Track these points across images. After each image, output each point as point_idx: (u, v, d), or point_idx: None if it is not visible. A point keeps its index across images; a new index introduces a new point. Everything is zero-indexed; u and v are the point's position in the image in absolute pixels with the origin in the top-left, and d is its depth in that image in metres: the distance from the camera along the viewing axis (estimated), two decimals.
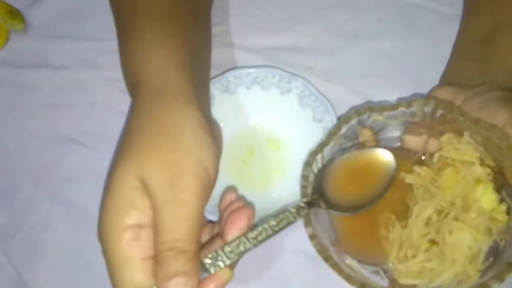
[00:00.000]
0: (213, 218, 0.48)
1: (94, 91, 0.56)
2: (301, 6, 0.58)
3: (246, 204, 0.40)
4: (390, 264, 0.43)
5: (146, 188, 0.36)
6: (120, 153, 0.38)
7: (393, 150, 0.46)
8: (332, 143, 0.45)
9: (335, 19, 0.57)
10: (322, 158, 0.45)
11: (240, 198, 0.41)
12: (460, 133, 0.44)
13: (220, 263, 0.37)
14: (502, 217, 0.42)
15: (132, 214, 0.35)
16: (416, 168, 0.45)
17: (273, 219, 0.40)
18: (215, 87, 0.53)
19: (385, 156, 0.45)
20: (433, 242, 0.42)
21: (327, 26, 0.57)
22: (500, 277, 0.39)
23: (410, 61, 0.55)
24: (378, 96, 0.54)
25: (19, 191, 0.53)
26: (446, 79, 0.51)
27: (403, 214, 0.44)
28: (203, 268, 0.37)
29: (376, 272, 0.43)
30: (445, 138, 0.45)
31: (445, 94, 0.47)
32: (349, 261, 0.43)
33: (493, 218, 0.42)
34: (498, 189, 0.43)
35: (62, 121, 0.55)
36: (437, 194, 0.43)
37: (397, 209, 0.44)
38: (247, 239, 0.39)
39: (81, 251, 0.51)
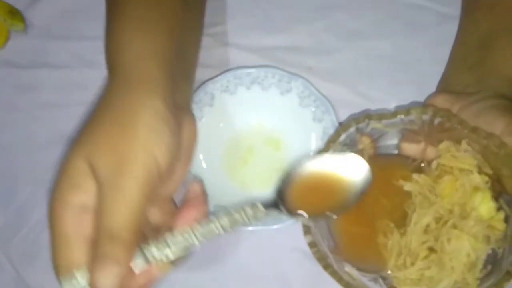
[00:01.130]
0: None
1: (95, 91, 0.56)
2: (301, 6, 0.58)
3: (203, 199, 0.41)
4: (389, 272, 0.43)
5: (93, 172, 0.37)
6: (77, 137, 0.39)
7: (391, 157, 0.46)
8: (331, 151, 0.45)
9: (335, 19, 0.57)
10: None
11: (203, 191, 0.42)
12: (458, 141, 0.44)
13: (159, 255, 0.37)
14: (500, 225, 0.42)
15: (77, 195, 0.37)
16: (415, 176, 0.45)
17: (226, 216, 0.39)
18: (215, 87, 0.53)
19: (358, 167, 0.44)
20: (431, 249, 0.42)
21: (327, 26, 0.57)
22: (498, 286, 0.39)
23: (410, 61, 0.55)
24: (378, 96, 0.54)
25: (19, 191, 0.53)
26: (443, 86, 0.51)
27: (401, 221, 0.44)
28: (143, 256, 0.36)
29: (375, 280, 0.43)
30: (443, 146, 0.45)
31: (441, 101, 0.47)
32: (348, 268, 0.43)
33: (491, 226, 0.42)
34: (496, 197, 0.43)
35: (62, 121, 0.55)
36: (436, 201, 0.43)
37: (395, 216, 0.44)
38: (194, 234, 0.38)
39: None
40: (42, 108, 0.56)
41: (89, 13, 0.60)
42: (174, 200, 0.44)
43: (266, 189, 0.51)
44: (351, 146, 0.47)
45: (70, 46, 0.58)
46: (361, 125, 0.46)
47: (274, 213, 0.43)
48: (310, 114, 0.52)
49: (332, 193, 0.44)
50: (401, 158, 0.47)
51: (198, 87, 0.53)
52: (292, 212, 0.43)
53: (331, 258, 0.42)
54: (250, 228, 0.48)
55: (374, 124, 0.46)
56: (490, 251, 0.42)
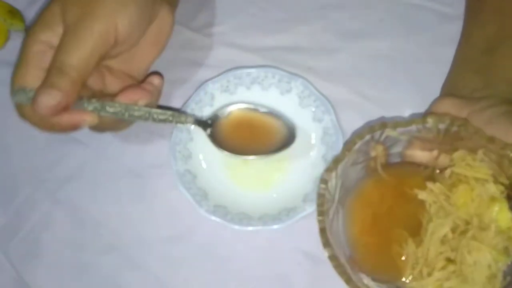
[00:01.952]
0: (214, 218, 0.48)
1: None
2: (301, 6, 0.58)
3: (154, 90, 0.48)
4: (405, 281, 0.43)
5: (63, 17, 0.44)
6: None
7: (402, 164, 0.46)
8: (346, 159, 0.45)
9: (335, 19, 0.57)
10: (337, 175, 0.45)
11: (159, 86, 0.49)
12: (472, 150, 0.44)
13: (94, 108, 0.44)
14: None
15: (46, 33, 0.44)
16: (429, 185, 0.45)
17: (160, 110, 0.47)
18: (215, 87, 0.53)
19: (288, 125, 0.51)
20: (449, 260, 0.42)
21: (327, 26, 0.57)
22: None
23: (410, 61, 0.55)
24: (378, 96, 0.54)
25: (19, 191, 0.53)
26: (448, 90, 0.51)
27: (415, 229, 0.44)
28: (82, 104, 0.44)
29: None
30: (458, 154, 0.44)
31: (449, 106, 0.46)
32: (366, 280, 0.43)
33: (509, 237, 0.42)
34: (511, 207, 0.42)
35: None
36: (452, 211, 0.43)
37: (409, 225, 0.44)
38: (127, 108, 0.45)
39: (81, 251, 0.51)
40: None
41: None
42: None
43: (266, 189, 0.51)
44: (364, 153, 0.46)
45: None
46: (376, 133, 0.45)
47: (199, 129, 0.50)
48: (310, 114, 0.52)
49: (257, 138, 0.50)
50: (413, 165, 0.47)
51: (198, 87, 0.53)
52: (215, 142, 0.49)
53: (349, 270, 0.42)
54: (250, 228, 0.48)
55: (389, 132, 0.45)
56: (509, 262, 0.42)
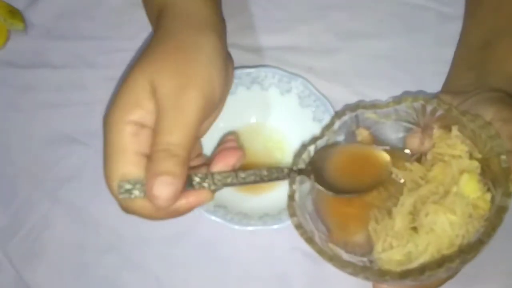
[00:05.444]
0: (214, 218, 0.48)
1: (94, 90, 0.56)
2: (301, 6, 0.58)
3: (239, 148, 0.43)
4: (375, 255, 0.43)
5: (154, 93, 0.38)
6: (138, 60, 0.40)
7: (392, 150, 0.46)
8: (325, 138, 0.45)
9: (335, 19, 0.57)
10: (316, 148, 0.45)
11: (237, 144, 0.44)
12: (450, 129, 0.44)
13: (206, 184, 0.39)
14: (485, 205, 0.41)
15: (137, 112, 0.38)
16: (407, 164, 0.45)
17: (265, 170, 0.42)
18: None
19: (382, 156, 0.46)
20: (416, 229, 0.42)
21: (327, 26, 0.57)
22: (473, 252, 0.38)
23: (410, 61, 0.55)
24: (377, 96, 0.54)
25: (19, 191, 0.53)
26: (446, 88, 0.51)
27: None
28: (190, 182, 0.39)
29: (363, 263, 0.43)
30: (437, 134, 0.45)
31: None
32: (339, 252, 0.43)
33: (475, 205, 0.42)
34: (486, 182, 0.42)
35: (62, 120, 0.55)
36: (422, 184, 0.43)
37: (389, 205, 0.44)
38: (237, 175, 0.40)
39: (81, 251, 0.51)
40: (42, 108, 0.56)
41: (89, 13, 0.60)
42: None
43: (266, 189, 0.51)
44: (348, 137, 0.47)
45: (69, 46, 0.58)
46: (355, 114, 0.45)
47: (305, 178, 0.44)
48: (310, 114, 0.52)
49: (358, 176, 0.45)
50: (402, 151, 0.47)
51: None
52: (320, 182, 0.44)
53: (317, 237, 0.42)
54: (250, 228, 0.48)
55: (368, 114, 0.45)
56: (472, 230, 0.41)
